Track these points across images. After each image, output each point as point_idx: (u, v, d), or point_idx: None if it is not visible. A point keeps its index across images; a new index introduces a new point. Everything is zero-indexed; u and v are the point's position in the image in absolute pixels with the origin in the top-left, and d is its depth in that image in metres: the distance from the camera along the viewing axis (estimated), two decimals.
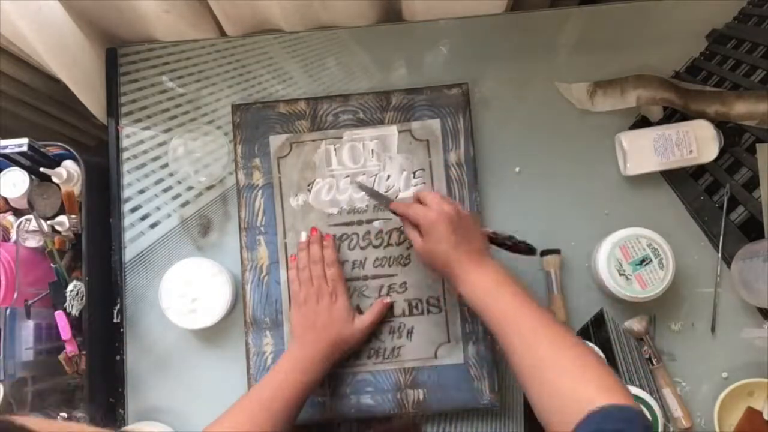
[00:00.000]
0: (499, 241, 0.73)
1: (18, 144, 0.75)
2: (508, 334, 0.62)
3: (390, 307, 0.79)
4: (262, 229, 0.81)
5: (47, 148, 0.80)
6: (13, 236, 0.80)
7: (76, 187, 0.80)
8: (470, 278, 0.66)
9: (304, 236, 0.79)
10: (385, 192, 0.81)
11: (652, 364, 0.78)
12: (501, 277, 0.66)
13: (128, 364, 0.81)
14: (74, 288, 0.77)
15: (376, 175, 0.81)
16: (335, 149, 0.82)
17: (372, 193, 0.79)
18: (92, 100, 0.87)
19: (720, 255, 0.80)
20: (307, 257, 0.77)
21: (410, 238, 0.72)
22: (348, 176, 0.82)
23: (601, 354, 0.78)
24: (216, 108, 0.86)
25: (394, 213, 0.75)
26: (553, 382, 0.57)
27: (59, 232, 0.80)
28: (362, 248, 0.80)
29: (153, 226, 0.84)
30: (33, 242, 0.80)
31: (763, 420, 0.75)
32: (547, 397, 0.57)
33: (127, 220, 0.84)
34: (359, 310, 0.78)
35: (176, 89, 0.86)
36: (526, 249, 0.74)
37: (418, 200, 0.72)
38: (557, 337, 0.60)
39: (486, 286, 0.65)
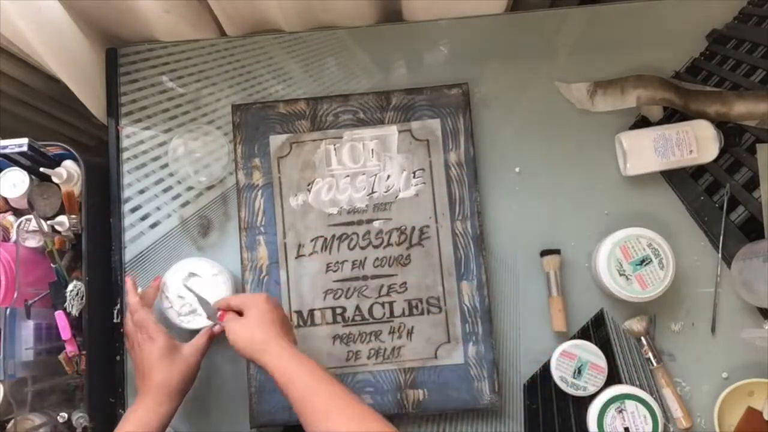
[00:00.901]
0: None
1: (18, 144, 0.75)
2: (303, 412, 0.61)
3: (390, 308, 0.79)
4: (262, 229, 0.81)
5: (47, 148, 0.80)
6: (13, 236, 0.80)
7: (76, 187, 0.80)
8: (282, 364, 0.64)
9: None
10: (385, 192, 0.81)
11: (652, 364, 0.78)
12: (297, 354, 0.65)
13: (128, 364, 0.81)
14: (74, 288, 0.77)
15: (376, 175, 0.81)
16: (335, 149, 0.82)
17: (200, 301, 0.76)
18: (92, 100, 0.87)
19: (720, 255, 0.80)
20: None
21: (228, 328, 0.68)
22: (348, 176, 0.82)
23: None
24: (216, 108, 0.86)
25: (219, 309, 0.72)
26: None
27: (59, 232, 0.80)
28: (362, 248, 0.80)
29: (153, 226, 0.84)
30: (33, 242, 0.80)
31: (763, 420, 0.75)
32: None
33: (127, 220, 0.84)
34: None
35: (176, 89, 0.86)
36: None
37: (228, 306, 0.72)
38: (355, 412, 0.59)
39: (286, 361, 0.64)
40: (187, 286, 0.78)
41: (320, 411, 0.59)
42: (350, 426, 0.58)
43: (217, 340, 0.81)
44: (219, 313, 0.72)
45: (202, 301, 0.75)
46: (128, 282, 0.76)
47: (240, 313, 0.70)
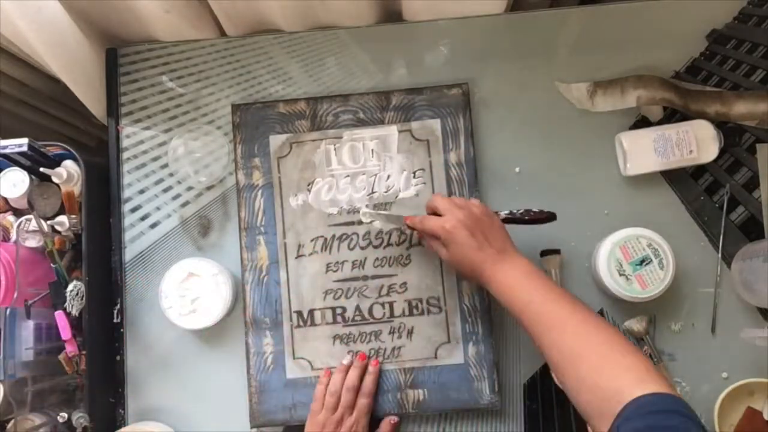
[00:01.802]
0: (516, 219, 0.73)
1: (18, 144, 0.75)
2: (536, 330, 0.61)
3: (390, 308, 0.79)
4: (261, 229, 0.81)
5: (47, 148, 0.80)
6: (13, 236, 0.80)
7: (76, 187, 0.80)
8: (497, 277, 0.66)
9: (347, 359, 0.77)
10: (385, 192, 0.81)
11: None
12: (524, 271, 0.65)
13: (128, 364, 0.81)
14: (74, 288, 0.76)
15: (376, 175, 0.81)
16: (335, 149, 0.82)
17: (384, 218, 0.78)
18: (92, 100, 0.87)
19: (720, 255, 0.80)
20: (340, 381, 0.75)
21: (434, 250, 0.71)
22: (348, 176, 0.82)
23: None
24: (216, 108, 0.86)
25: (411, 229, 0.74)
26: (586, 377, 0.56)
27: (59, 232, 0.80)
28: (362, 248, 0.80)
29: (153, 226, 0.84)
30: (33, 242, 0.80)
31: (763, 420, 0.75)
32: (583, 393, 0.56)
33: (127, 220, 0.84)
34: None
35: (176, 89, 0.86)
36: (546, 217, 0.74)
37: (431, 209, 0.71)
38: (585, 327, 0.59)
39: (511, 281, 0.65)
40: (367, 212, 0.79)
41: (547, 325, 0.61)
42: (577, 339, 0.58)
43: (215, 339, 0.81)
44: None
45: (386, 217, 0.77)
46: (376, 364, 0.77)
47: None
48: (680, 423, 0.48)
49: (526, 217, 0.73)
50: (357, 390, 0.75)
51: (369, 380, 0.76)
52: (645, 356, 0.57)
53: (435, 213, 0.71)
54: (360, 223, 0.81)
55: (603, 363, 0.56)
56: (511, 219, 0.73)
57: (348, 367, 0.76)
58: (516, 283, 0.64)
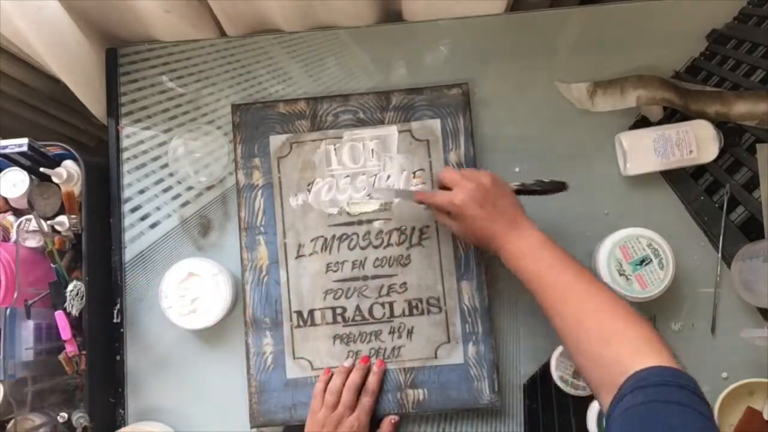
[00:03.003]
0: (528, 190, 0.74)
1: (18, 144, 0.75)
2: (543, 300, 0.62)
3: (390, 308, 0.79)
4: (261, 229, 0.81)
5: (47, 148, 0.80)
6: (13, 236, 0.80)
7: (76, 187, 0.80)
8: (507, 248, 0.67)
9: (348, 362, 0.77)
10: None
11: None
12: (534, 242, 0.66)
13: (128, 364, 0.81)
14: (74, 288, 0.76)
15: (376, 175, 0.81)
16: (335, 149, 0.82)
17: (393, 194, 0.79)
18: (92, 100, 0.87)
19: (720, 255, 0.80)
20: (341, 381, 0.75)
21: (445, 224, 0.73)
22: (348, 176, 0.82)
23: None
24: (216, 108, 0.86)
25: (421, 203, 0.75)
26: (588, 348, 0.56)
27: (59, 232, 0.80)
28: (362, 248, 0.80)
29: (153, 226, 0.84)
30: (33, 242, 0.80)
31: (763, 420, 0.75)
32: (587, 363, 0.57)
33: (127, 220, 0.84)
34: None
35: (176, 89, 0.86)
36: (557, 187, 0.75)
37: (441, 183, 0.72)
38: (589, 297, 0.60)
39: (520, 253, 0.66)
40: (376, 189, 0.80)
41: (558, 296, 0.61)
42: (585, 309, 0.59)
43: (215, 339, 0.81)
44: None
45: (396, 192, 0.78)
46: (381, 365, 0.77)
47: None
48: (682, 397, 0.48)
49: (538, 188, 0.74)
50: (359, 390, 0.75)
51: (373, 379, 0.76)
52: (650, 326, 0.56)
53: (444, 187, 0.71)
54: (360, 223, 0.81)
55: (605, 333, 0.56)
56: (523, 190, 0.74)
57: (349, 370, 0.76)
58: (525, 254, 0.65)
